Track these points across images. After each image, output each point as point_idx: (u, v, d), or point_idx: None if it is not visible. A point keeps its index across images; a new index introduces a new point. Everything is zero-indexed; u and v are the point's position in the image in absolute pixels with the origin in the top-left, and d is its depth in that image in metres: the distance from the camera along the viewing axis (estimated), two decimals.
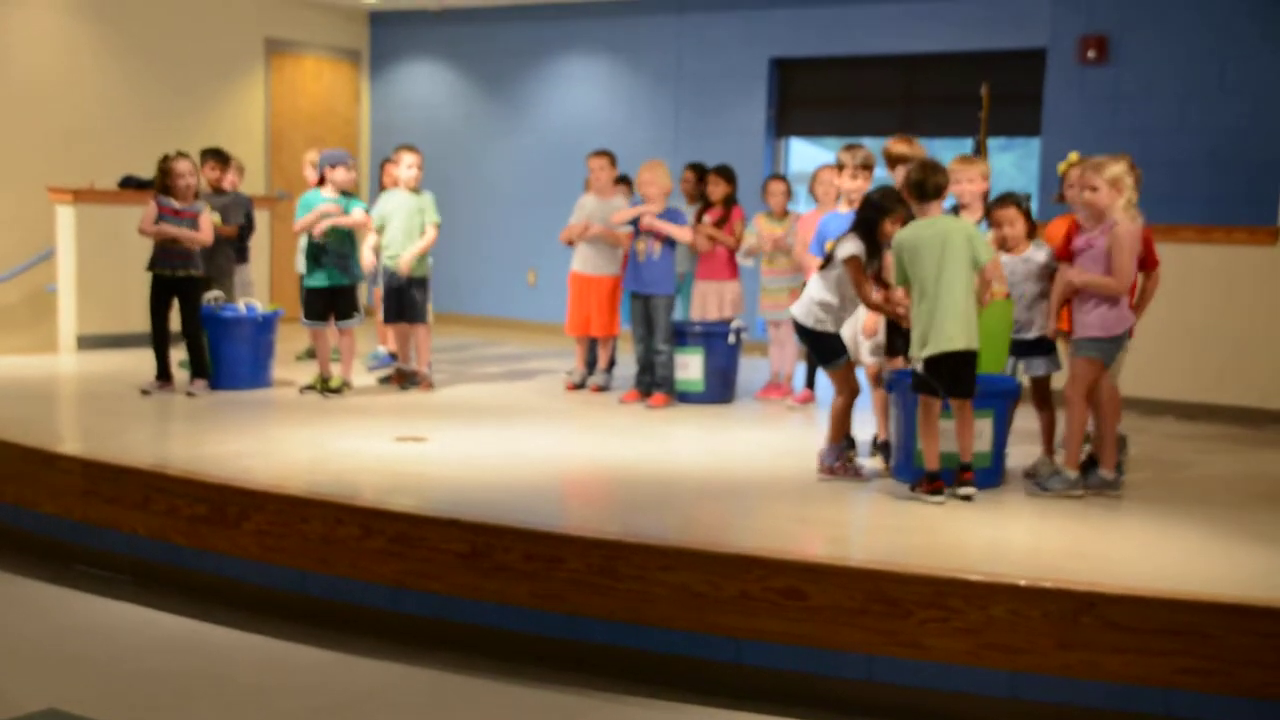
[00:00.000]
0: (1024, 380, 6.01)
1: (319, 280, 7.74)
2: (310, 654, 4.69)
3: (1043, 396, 6.02)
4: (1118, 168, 5.44)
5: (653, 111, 11.66)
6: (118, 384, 7.91)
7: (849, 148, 6.54)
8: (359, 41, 13.15)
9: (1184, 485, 6.01)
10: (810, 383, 8.01)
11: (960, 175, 6.11)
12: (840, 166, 6.50)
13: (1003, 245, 5.91)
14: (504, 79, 12.51)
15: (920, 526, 5.05)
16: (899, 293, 5.62)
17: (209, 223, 7.64)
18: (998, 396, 5.85)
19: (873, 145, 6.54)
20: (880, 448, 6.20)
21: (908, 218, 5.57)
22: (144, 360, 8.07)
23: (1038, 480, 5.67)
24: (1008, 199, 5.97)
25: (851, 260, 5.60)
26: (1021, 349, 5.96)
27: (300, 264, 8.55)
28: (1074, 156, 5.69)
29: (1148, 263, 5.78)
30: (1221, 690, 3.96)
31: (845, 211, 6.41)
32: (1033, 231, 5.96)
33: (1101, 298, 5.44)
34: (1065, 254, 5.72)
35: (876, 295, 5.71)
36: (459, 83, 12.81)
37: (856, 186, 6.29)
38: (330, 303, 7.74)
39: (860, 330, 6.21)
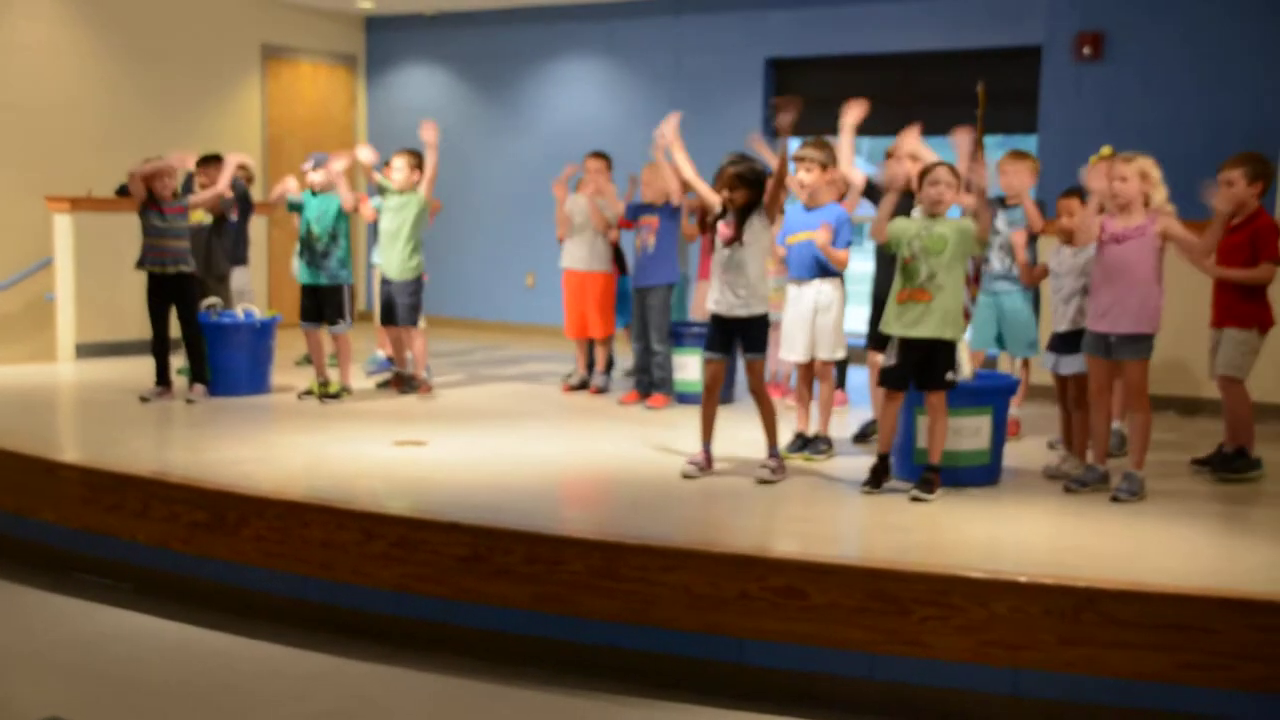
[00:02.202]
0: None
1: (302, 277, 7.77)
2: (312, 659, 4.68)
3: (1081, 395, 5.92)
4: (1146, 160, 5.52)
5: (650, 113, 11.56)
6: (117, 392, 7.91)
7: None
8: (355, 46, 13.15)
9: (1183, 480, 6.00)
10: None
11: (1007, 168, 6.69)
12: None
13: (1064, 236, 6.02)
14: (501, 82, 12.51)
15: (920, 525, 5.05)
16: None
17: (204, 195, 7.69)
18: (996, 394, 5.86)
19: (870, 145, 6.54)
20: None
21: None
22: (143, 368, 8.07)
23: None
24: (1076, 190, 6.09)
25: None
26: (1056, 344, 6.02)
27: (295, 268, 8.60)
28: (1107, 150, 5.72)
29: (1269, 254, 5.94)
30: (1224, 685, 3.96)
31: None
32: None
33: (1150, 290, 5.47)
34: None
35: None
36: (456, 86, 12.81)
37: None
38: (315, 303, 7.73)
39: (789, 329, 6.39)
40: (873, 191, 6.44)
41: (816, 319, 6.35)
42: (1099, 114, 9.00)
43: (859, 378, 8.05)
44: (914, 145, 6.23)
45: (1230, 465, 6.00)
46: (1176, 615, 4.01)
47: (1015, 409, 6.96)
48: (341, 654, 4.70)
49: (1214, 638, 3.98)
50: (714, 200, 5.90)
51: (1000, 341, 6.89)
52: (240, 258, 8.86)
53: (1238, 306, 6.01)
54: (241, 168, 9.08)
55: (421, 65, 12.98)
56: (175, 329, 7.67)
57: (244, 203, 8.80)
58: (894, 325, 5.56)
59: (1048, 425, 6.82)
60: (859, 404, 7.81)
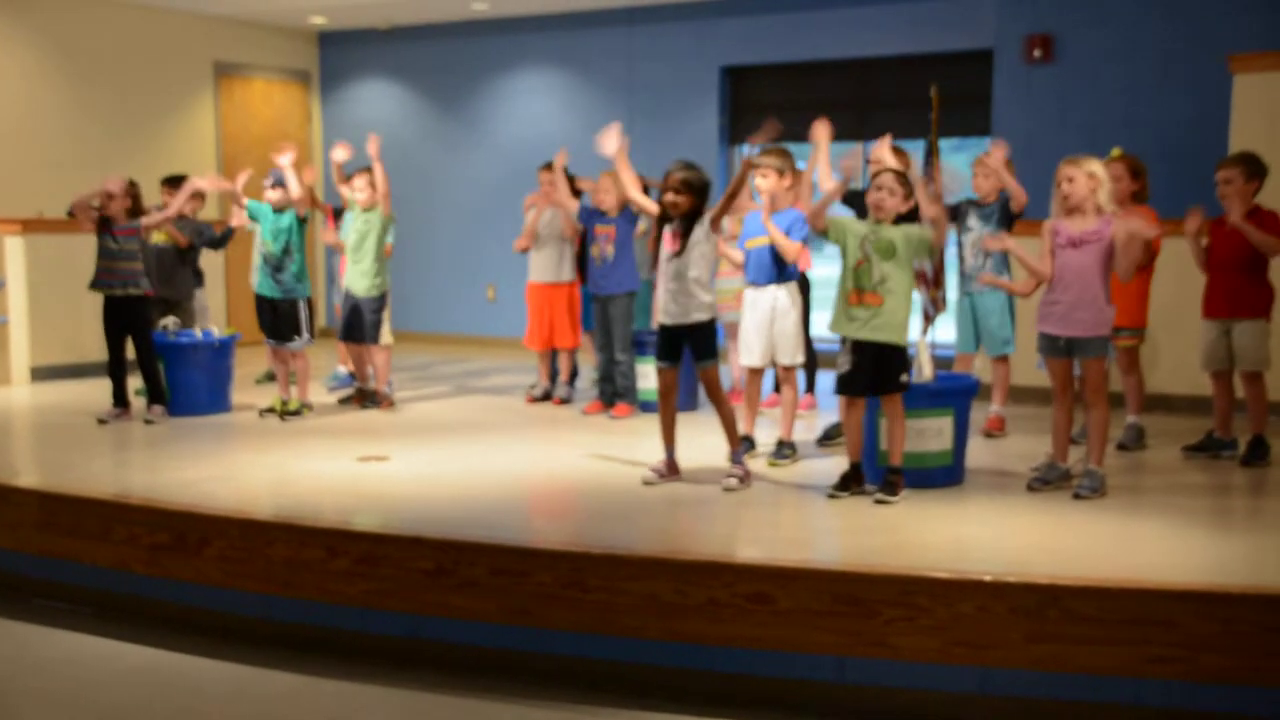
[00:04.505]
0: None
1: (260, 288, 7.77)
2: (278, 679, 4.64)
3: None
4: (1093, 162, 5.56)
5: (606, 123, 11.56)
6: (74, 414, 7.82)
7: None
8: (309, 62, 13.08)
9: (1144, 475, 6.07)
10: (777, 388, 8.04)
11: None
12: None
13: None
14: (456, 95, 12.49)
15: (885, 527, 5.07)
16: None
17: (156, 217, 7.65)
18: (958, 395, 5.90)
19: (828, 149, 6.53)
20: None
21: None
22: (100, 390, 7.98)
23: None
24: None
25: None
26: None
27: (254, 281, 8.59)
28: (1116, 152, 5.79)
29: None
30: (1186, 677, 4.00)
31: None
32: None
33: (1106, 291, 5.53)
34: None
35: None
36: (411, 101, 12.77)
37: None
38: (272, 318, 7.69)
39: (746, 335, 6.41)
40: (854, 198, 6.50)
41: (775, 324, 6.37)
42: (1051, 115, 9.11)
43: (829, 381, 8.08)
44: (881, 153, 6.23)
45: (1256, 453, 6.24)
46: (1138, 610, 4.05)
47: (999, 407, 7.03)
48: (308, 673, 4.66)
49: (1176, 630, 4.02)
50: (654, 211, 5.96)
51: (977, 341, 7.00)
52: (199, 280, 8.86)
53: (1248, 295, 6.21)
54: (198, 196, 9.02)
55: (376, 80, 12.94)
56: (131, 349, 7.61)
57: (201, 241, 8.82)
58: (845, 327, 5.58)
59: (1026, 425, 6.89)
60: (828, 408, 7.84)
